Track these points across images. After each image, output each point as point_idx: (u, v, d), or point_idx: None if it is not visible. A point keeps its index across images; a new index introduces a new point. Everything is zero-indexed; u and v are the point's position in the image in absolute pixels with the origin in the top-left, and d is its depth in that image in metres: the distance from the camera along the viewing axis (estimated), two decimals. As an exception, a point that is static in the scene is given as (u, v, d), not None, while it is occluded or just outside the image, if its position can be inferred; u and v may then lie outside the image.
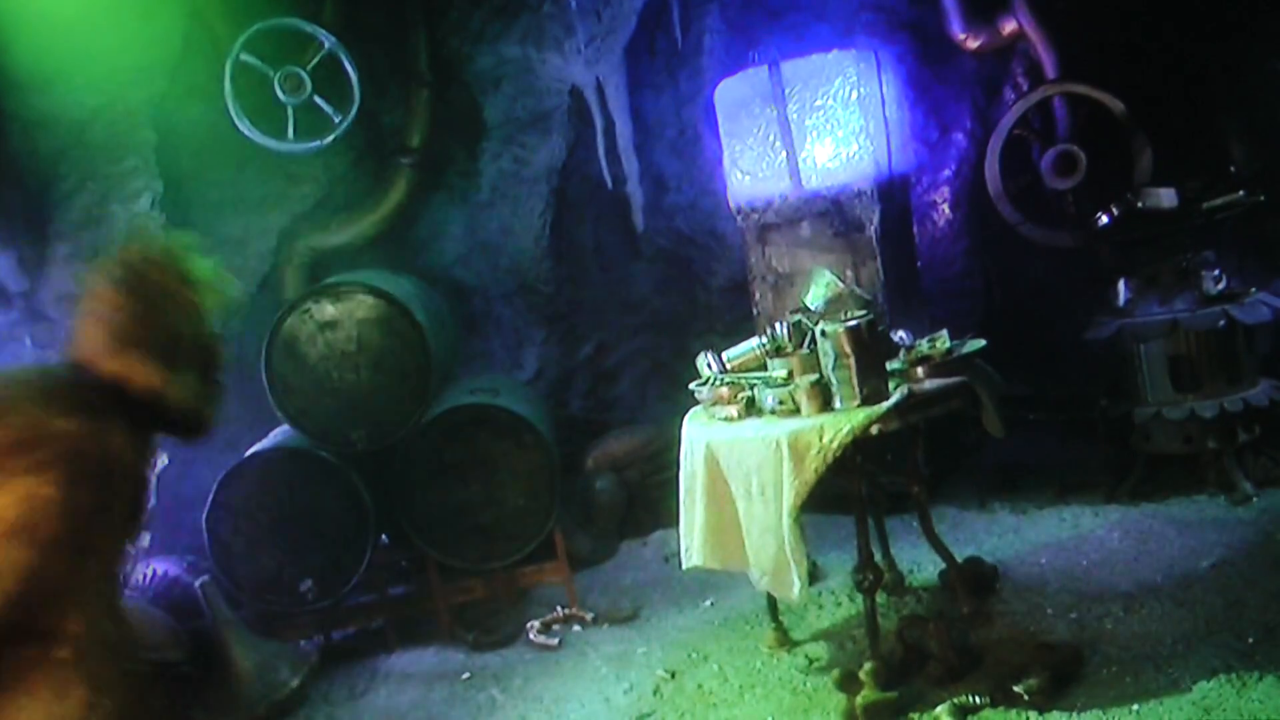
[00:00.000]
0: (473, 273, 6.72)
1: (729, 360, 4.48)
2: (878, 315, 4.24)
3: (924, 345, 4.26)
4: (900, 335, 4.41)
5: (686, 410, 4.46)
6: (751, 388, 4.19)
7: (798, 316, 4.47)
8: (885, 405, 3.84)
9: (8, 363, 5.28)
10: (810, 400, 3.92)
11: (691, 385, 4.41)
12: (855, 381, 3.84)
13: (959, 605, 4.31)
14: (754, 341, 4.50)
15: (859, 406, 3.84)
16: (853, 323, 3.91)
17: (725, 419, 4.17)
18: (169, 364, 2.26)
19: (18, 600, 1.94)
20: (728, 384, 4.27)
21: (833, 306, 4.43)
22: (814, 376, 3.95)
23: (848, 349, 3.84)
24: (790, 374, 4.09)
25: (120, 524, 2.19)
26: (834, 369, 3.87)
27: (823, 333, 3.92)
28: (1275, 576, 4.15)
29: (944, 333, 4.27)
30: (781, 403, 4.00)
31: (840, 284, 4.61)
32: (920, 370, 4.14)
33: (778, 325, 4.47)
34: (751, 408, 4.15)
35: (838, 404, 3.89)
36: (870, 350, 3.89)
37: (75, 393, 2.16)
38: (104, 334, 2.23)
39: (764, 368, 4.37)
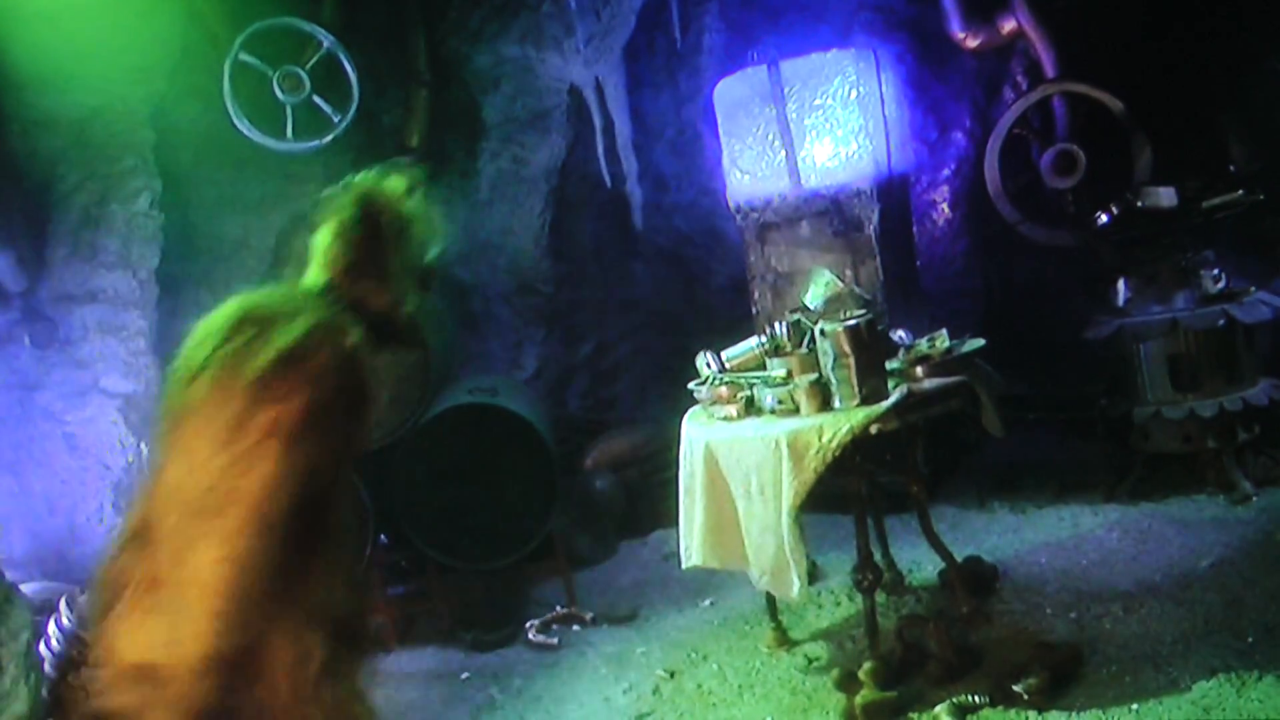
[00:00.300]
0: (471, 272, 6.72)
1: (728, 360, 4.47)
2: (877, 315, 4.24)
3: (923, 344, 4.25)
4: (900, 335, 4.41)
5: (686, 410, 4.45)
6: (750, 387, 4.19)
7: (797, 316, 4.46)
8: (885, 405, 3.83)
9: (5, 363, 5.30)
10: (809, 400, 3.91)
11: (691, 385, 4.41)
12: (854, 381, 3.84)
13: (958, 605, 4.30)
14: (753, 341, 4.50)
15: (858, 406, 3.84)
16: (852, 322, 3.90)
17: (724, 418, 4.16)
18: (398, 286, 2.62)
19: (299, 493, 2.23)
20: (727, 383, 4.26)
21: (832, 306, 4.43)
22: (813, 376, 3.94)
23: (847, 348, 3.83)
24: (789, 373, 4.08)
25: (367, 426, 2.52)
26: (833, 368, 3.87)
27: (822, 332, 3.91)
28: (1274, 576, 4.14)
29: (943, 332, 4.26)
30: (781, 402, 3.99)
31: (840, 283, 4.60)
32: (920, 369, 4.13)
33: (777, 325, 4.47)
34: (751, 407, 4.14)
35: (837, 403, 3.88)
36: (869, 350, 3.89)
37: (330, 310, 2.49)
38: (346, 258, 2.56)
39: (763, 367, 4.37)
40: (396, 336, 2.65)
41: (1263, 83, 6.05)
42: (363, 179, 2.68)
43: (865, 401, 3.84)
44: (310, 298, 2.54)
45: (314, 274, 2.59)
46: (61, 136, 5.23)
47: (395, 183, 2.67)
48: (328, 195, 2.67)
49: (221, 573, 2.13)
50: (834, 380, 3.87)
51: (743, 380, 4.26)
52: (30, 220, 5.25)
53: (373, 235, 2.59)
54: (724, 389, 4.21)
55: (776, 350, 4.34)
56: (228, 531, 2.15)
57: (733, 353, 4.49)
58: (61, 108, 5.18)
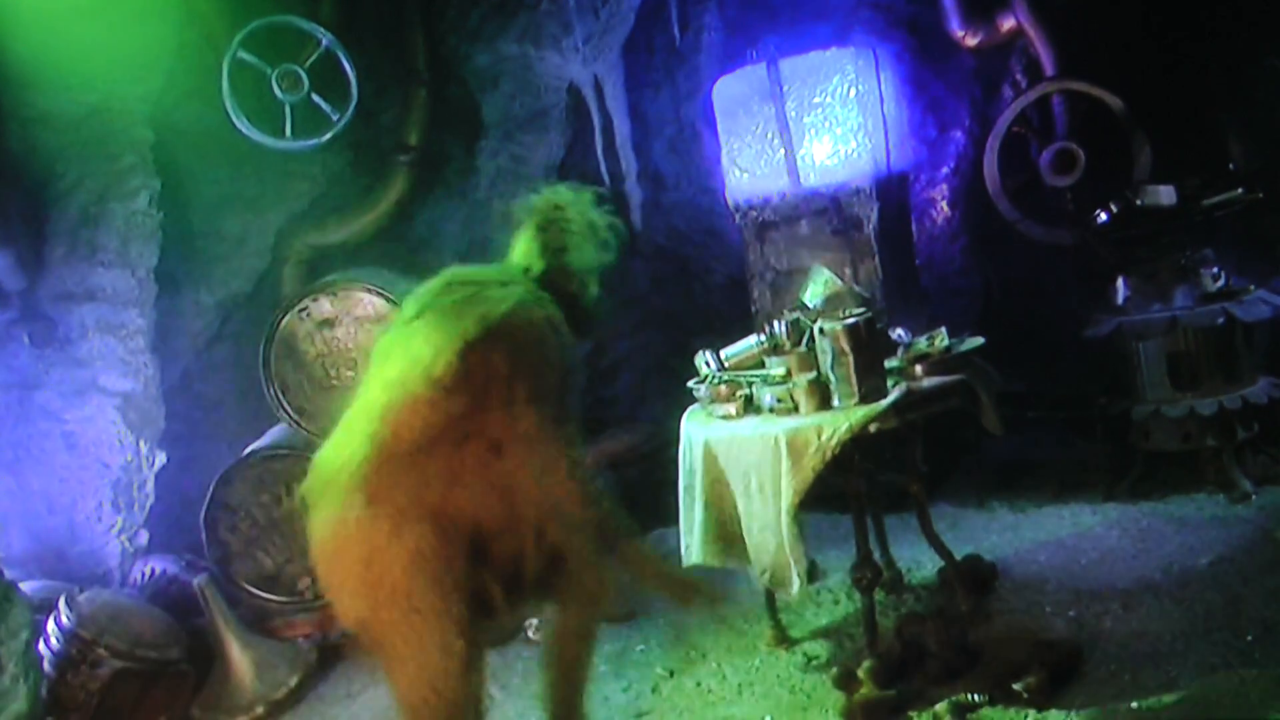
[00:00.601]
0: (471, 270, 6.70)
1: (727, 358, 4.46)
2: (876, 313, 4.23)
3: (922, 343, 4.25)
4: (898, 333, 4.40)
5: (685, 408, 4.45)
6: (749, 385, 4.18)
7: (796, 315, 4.45)
8: (884, 403, 3.83)
9: (3, 361, 5.30)
10: (808, 398, 3.91)
11: (690, 383, 4.41)
12: (854, 379, 3.83)
13: (957, 603, 4.30)
14: (752, 340, 4.49)
15: (857, 405, 3.83)
16: (851, 320, 3.89)
17: (723, 417, 4.16)
18: (581, 281, 3.25)
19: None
20: (725, 382, 4.26)
21: (831, 304, 4.42)
22: (812, 374, 3.93)
23: (846, 347, 3.83)
24: (789, 372, 4.08)
25: (561, 381, 3.08)
26: (832, 367, 3.86)
27: (821, 330, 3.90)
28: (1274, 574, 4.14)
29: (942, 330, 4.26)
30: (780, 400, 3.99)
31: (839, 282, 4.59)
32: (919, 368, 4.12)
33: (776, 323, 4.46)
34: (749, 406, 4.14)
35: (836, 402, 3.88)
36: (868, 348, 3.88)
37: (532, 287, 3.12)
38: (543, 250, 3.17)
39: (762, 366, 4.36)
40: (576, 323, 3.20)
41: (1262, 80, 6.05)
42: (558, 189, 3.30)
43: (864, 400, 3.83)
44: (514, 274, 3.13)
45: (514, 259, 3.19)
46: (60, 134, 5.23)
47: (585, 195, 3.29)
48: (527, 199, 3.24)
49: (584, 538, 3.04)
50: (833, 379, 3.87)
51: (742, 379, 4.26)
52: (29, 219, 5.25)
53: (565, 233, 3.19)
54: (723, 387, 4.20)
55: (775, 349, 4.34)
56: (566, 501, 2.96)
57: (731, 351, 4.48)
58: (60, 106, 5.17)
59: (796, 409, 3.94)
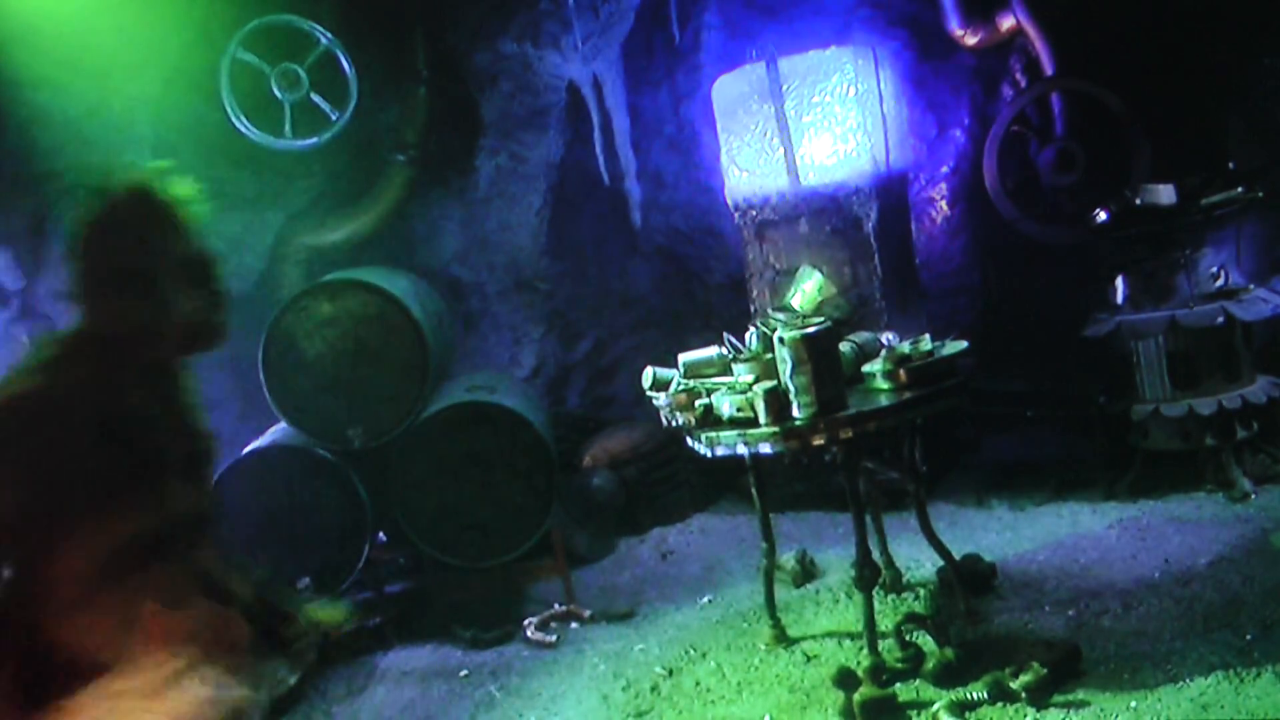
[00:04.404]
0: (470, 270, 6.71)
1: (684, 365, 4.31)
2: (873, 313, 4.19)
3: (905, 347, 4.16)
4: (886, 337, 4.34)
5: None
6: (709, 394, 4.04)
7: (770, 320, 4.32)
8: None
9: (3, 361, 5.29)
10: (768, 408, 3.78)
11: (649, 392, 4.29)
12: (813, 389, 3.71)
13: (957, 602, 4.30)
14: (713, 351, 4.33)
15: (817, 413, 3.73)
16: (811, 329, 3.76)
17: (682, 426, 4.07)
18: (158, 287, 2.25)
19: None
20: (685, 391, 4.11)
21: (822, 308, 4.32)
22: (771, 383, 3.81)
23: (805, 356, 3.70)
24: (757, 379, 3.94)
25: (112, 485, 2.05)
26: (792, 376, 3.74)
27: (780, 340, 3.77)
28: (1273, 573, 4.14)
29: (925, 336, 4.19)
30: (739, 410, 3.87)
31: (830, 286, 4.49)
32: (902, 372, 4.03)
33: (748, 333, 4.30)
34: (709, 416, 3.99)
35: (796, 411, 3.76)
36: (829, 357, 3.77)
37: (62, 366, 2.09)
38: (89, 280, 2.16)
39: (724, 375, 4.20)
40: (178, 345, 2.31)
41: (1262, 79, 6.05)
42: (104, 184, 2.25)
43: (824, 409, 3.72)
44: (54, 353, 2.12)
45: (74, 310, 2.19)
46: (59, 133, 5.23)
47: (142, 180, 2.30)
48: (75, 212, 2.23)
49: None
50: (793, 388, 3.75)
51: (701, 387, 4.12)
52: (28, 217, 5.25)
53: (117, 245, 2.21)
54: (683, 395, 4.07)
55: (737, 357, 4.16)
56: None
57: (689, 359, 4.34)
58: (59, 104, 5.18)
59: (755, 419, 3.81)
